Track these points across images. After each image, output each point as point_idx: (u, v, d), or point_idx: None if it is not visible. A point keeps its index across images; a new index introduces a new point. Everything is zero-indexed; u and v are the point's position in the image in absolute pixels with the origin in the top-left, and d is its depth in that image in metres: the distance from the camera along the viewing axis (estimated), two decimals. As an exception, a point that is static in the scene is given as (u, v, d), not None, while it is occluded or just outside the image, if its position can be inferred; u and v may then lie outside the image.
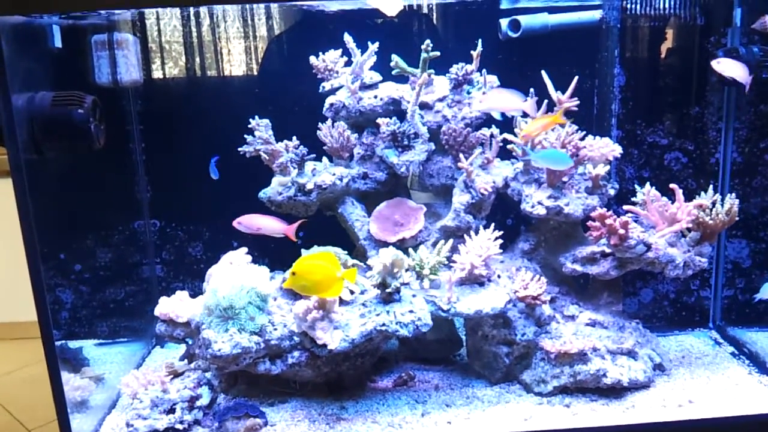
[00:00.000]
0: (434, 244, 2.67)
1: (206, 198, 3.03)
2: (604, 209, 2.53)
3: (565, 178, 2.62)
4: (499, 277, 2.59)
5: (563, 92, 2.69)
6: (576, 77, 2.66)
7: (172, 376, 2.61)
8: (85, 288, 3.17)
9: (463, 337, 2.84)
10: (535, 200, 2.59)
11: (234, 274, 2.45)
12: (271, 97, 3.13)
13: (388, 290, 2.34)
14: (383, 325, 2.29)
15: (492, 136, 2.72)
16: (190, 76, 3.18)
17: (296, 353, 2.38)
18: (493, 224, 2.62)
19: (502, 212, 2.92)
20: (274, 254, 3.20)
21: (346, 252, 2.61)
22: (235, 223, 2.46)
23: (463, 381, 2.62)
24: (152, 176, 3.13)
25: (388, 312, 2.32)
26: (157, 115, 3.10)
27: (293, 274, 2.06)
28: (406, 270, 2.40)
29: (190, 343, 2.57)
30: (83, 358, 2.81)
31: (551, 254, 2.73)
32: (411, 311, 2.33)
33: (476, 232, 2.56)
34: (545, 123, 2.47)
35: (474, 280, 2.51)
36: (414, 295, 2.43)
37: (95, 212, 3.09)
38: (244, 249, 2.63)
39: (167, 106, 3.14)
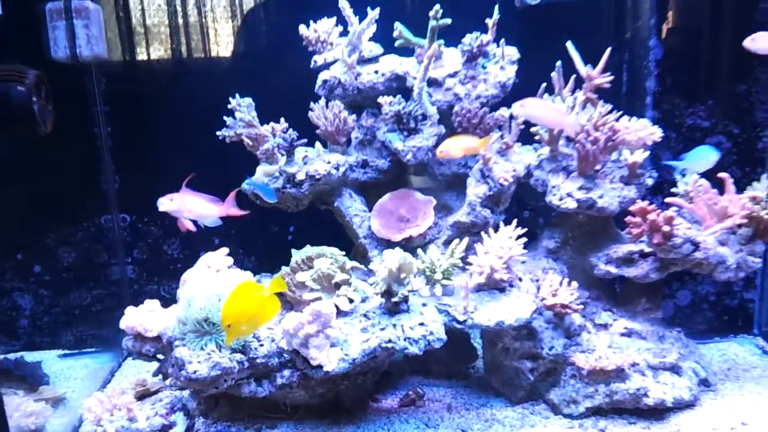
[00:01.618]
0: (446, 243, 2.35)
1: (194, 185, 2.62)
2: (646, 202, 2.21)
3: (597, 166, 2.29)
4: (520, 280, 2.26)
5: (593, 66, 2.35)
6: (609, 48, 2.32)
7: (142, 396, 2.29)
8: (46, 292, 2.85)
9: (479, 347, 2.52)
10: (564, 192, 2.26)
11: (212, 281, 2.12)
12: (255, 73, 2.78)
13: (394, 299, 2.02)
14: (389, 341, 1.97)
15: (512, 117, 2.39)
16: (163, 51, 2.82)
17: (286, 372, 2.06)
18: (507, 220, 2.29)
19: (518, 203, 2.59)
20: (261, 252, 2.87)
21: (344, 253, 2.27)
22: (159, 207, 2.07)
23: (480, 399, 2.31)
24: (120, 164, 2.84)
25: (394, 326, 2.00)
26: (125, 96, 2.79)
27: (228, 327, 1.74)
28: (415, 275, 2.07)
29: (162, 360, 2.24)
30: (42, 374, 2.49)
31: (580, 253, 2.41)
32: (421, 324, 2.01)
33: (495, 229, 2.23)
34: (468, 146, 2.21)
35: (493, 286, 2.19)
36: (424, 304, 2.11)
37: (56, 206, 2.76)
38: (224, 250, 2.30)
39: (137, 85, 2.81)
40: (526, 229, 2.25)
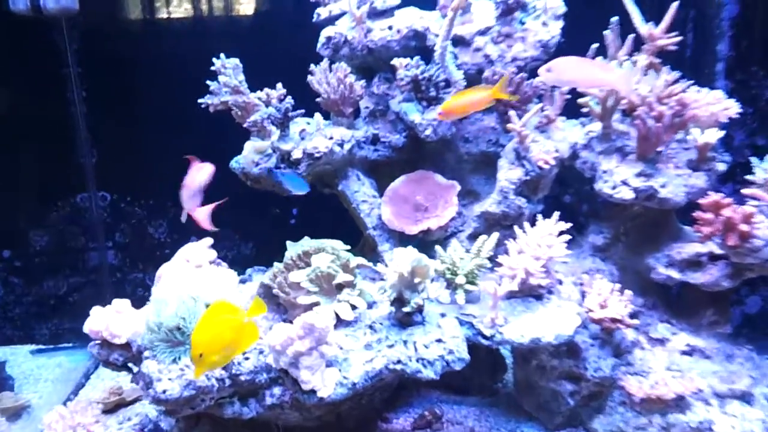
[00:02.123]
0: (472, 238, 1.97)
1: (171, 163, 2.26)
2: (720, 195, 1.79)
3: (660, 147, 1.87)
4: (561, 284, 1.88)
5: (655, 24, 1.92)
6: (675, 2, 1.89)
7: (116, 407, 2.00)
8: (16, 280, 2.56)
9: (509, 358, 2.15)
10: (618, 178, 1.86)
11: (189, 280, 1.78)
12: (250, 29, 2.39)
13: (406, 309, 1.66)
14: (398, 362, 1.62)
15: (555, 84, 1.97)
16: (147, 4, 2.44)
17: (277, 390, 1.74)
18: (545, 204, 1.91)
19: (558, 183, 2.17)
20: (260, 237, 2.53)
21: (348, 248, 1.91)
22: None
23: (509, 424, 1.97)
24: (98, 135, 2.52)
25: (405, 342, 1.64)
26: (102, 55, 2.45)
27: (200, 357, 1.39)
28: (432, 280, 1.70)
29: (134, 371, 1.92)
30: (5, 377, 2.20)
31: (633, 252, 2.03)
32: (439, 340, 1.65)
33: (531, 222, 1.84)
34: (477, 99, 1.75)
35: (528, 292, 1.82)
36: (443, 315, 1.75)
37: (25, 184, 2.44)
38: (207, 241, 1.94)
39: (116, 44, 2.45)
40: (570, 225, 1.85)
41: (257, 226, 2.66)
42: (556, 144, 2.01)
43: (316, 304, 1.80)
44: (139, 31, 2.48)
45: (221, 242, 2.62)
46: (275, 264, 1.93)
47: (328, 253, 1.90)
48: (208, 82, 2.04)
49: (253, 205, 2.37)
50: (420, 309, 1.72)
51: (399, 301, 1.71)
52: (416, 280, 1.70)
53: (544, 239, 1.83)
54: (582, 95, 2.01)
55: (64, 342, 2.56)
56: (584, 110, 2.09)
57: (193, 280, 1.79)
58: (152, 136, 2.44)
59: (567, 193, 2.46)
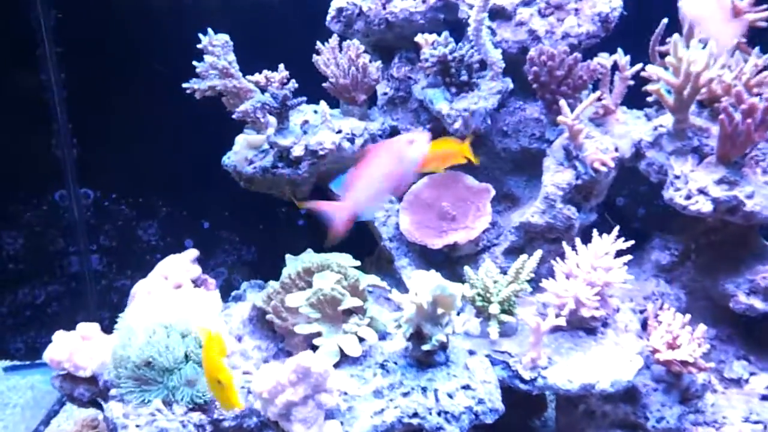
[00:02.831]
0: (508, 253, 1.67)
1: (161, 157, 2.19)
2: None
3: (747, 149, 1.53)
4: (617, 311, 1.57)
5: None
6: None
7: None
8: (-12, 286, 2.32)
9: (549, 394, 1.85)
10: (695, 186, 1.53)
11: (163, 304, 1.51)
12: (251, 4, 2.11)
13: (425, 347, 1.37)
14: (414, 415, 1.34)
15: (615, 67, 1.65)
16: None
17: (269, 437, 1.45)
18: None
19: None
20: (263, 240, 2.40)
21: (357, 264, 1.64)
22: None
23: (548, 478, 1.66)
24: (79, 124, 2.26)
25: (424, 390, 1.36)
26: (84, 33, 2.18)
27: (218, 383, 1.14)
28: (459, 312, 1.40)
29: (104, 407, 1.67)
30: (-32, 401, 1.96)
31: (706, 274, 1.72)
32: (466, 387, 1.37)
33: (582, 235, 1.54)
34: (448, 154, 1.53)
35: (578, 325, 1.51)
36: (472, 352, 1.46)
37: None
38: (191, 254, 1.67)
39: (100, 20, 2.15)
40: (632, 242, 1.53)
41: (260, 228, 2.40)
42: (615, 141, 1.69)
43: (317, 334, 1.52)
44: (126, 7, 2.20)
45: (219, 246, 2.37)
46: (270, 283, 1.66)
47: (333, 272, 1.62)
48: (195, 63, 1.75)
49: (255, 204, 2.10)
50: (443, 347, 1.43)
51: (417, 337, 1.41)
52: (439, 311, 1.40)
53: (600, 260, 1.51)
54: (647, 81, 1.67)
55: (41, 358, 2.32)
56: (650, 99, 1.76)
57: (169, 305, 1.52)
58: (142, 126, 2.20)
59: (620, 194, 2.13)
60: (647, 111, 1.78)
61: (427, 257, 1.79)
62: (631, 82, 1.73)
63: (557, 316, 1.45)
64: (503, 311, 1.52)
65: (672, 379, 1.57)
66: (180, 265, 1.67)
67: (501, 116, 1.85)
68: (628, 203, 2.16)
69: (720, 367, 1.71)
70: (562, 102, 1.61)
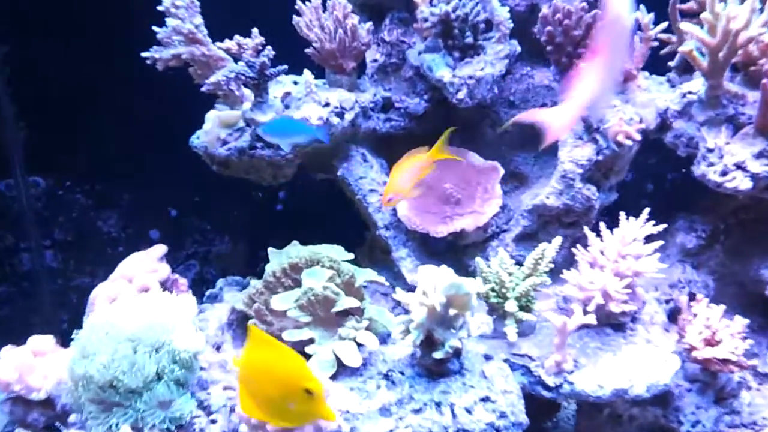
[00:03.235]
0: (519, 240, 1.50)
1: (121, 138, 2.01)
2: None
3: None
4: (644, 304, 1.42)
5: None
6: None
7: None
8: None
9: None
10: (731, 161, 1.39)
11: (127, 313, 1.30)
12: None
13: (437, 355, 1.20)
14: (428, 435, 1.16)
15: (638, 25, 1.48)
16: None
17: (257, 461, 1.27)
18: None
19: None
20: (239, 229, 2.25)
21: (351, 257, 1.46)
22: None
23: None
24: (26, 103, 2.03)
25: (438, 405, 1.21)
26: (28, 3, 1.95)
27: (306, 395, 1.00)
28: (472, 312, 1.23)
29: None
30: None
31: (736, 258, 1.58)
32: (486, 399, 1.21)
33: (603, 219, 1.38)
34: (418, 168, 1.34)
35: (605, 321, 1.35)
36: (488, 357, 1.30)
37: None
38: (158, 250, 1.47)
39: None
40: (664, 226, 1.37)
41: (234, 215, 2.22)
42: (638, 110, 1.52)
43: (309, 341, 1.34)
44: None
45: (188, 236, 2.17)
46: (252, 282, 1.47)
47: (324, 267, 1.43)
48: (155, 28, 1.53)
49: (228, 187, 1.89)
50: (457, 354, 1.26)
51: (428, 343, 1.24)
52: (451, 313, 1.23)
53: (628, 247, 1.35)
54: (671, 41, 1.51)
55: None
56: (670, 63, 1.60)
57: (135, 313, 1.32)
58: (98, 104, 2.00)
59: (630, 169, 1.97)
60: (669, 76, 1.62)
61: (428, 246, 1.61)
62: (654, 44, 1.56)
63: (585, 312, 1.29)
64: (521, 308, 1.36)
65: (707, 378, 1.43)
66: (146, 265, 1.47)
67: (507, 84, 1.68)
68: (636, 178, 2.01)
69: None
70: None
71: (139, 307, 1.36)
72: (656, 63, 1.63)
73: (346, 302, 1.37)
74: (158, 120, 1.94)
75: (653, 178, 2.14)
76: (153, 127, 1.95)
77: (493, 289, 1.37)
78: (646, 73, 1.59)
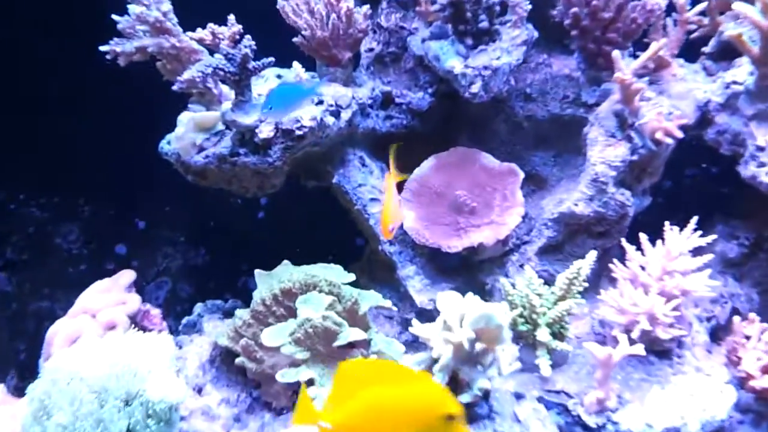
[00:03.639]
0: (544, 254, 1.34)
1: (81, 144, 1.80)
2: None
3: None
4: (690, 326, 1.27)
5: None
6: None
7: None
8: None
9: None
10: (785, 159, 1.22)
11: (90, 358, 1.11)
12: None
13: (464, 398, 1.06)
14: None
15: (672, 7, 1.32)
16: None
17: None
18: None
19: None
20: (216, 242, 2.02)
21: (351, 278, 1.28)
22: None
23: None
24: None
25: (467, 458, 1.00)
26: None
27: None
28: (503, 347, 1.07)
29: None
30: None
31: None
32: (521, 449, 1.03)
33: (633, 226, 1.23)
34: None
35: (648, 347, 1.19)
36: (519, 395, 1.14)
37: None
38: (126, 276, 1.28)
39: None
40: (714, 237, 1.22)
41: (211, 225, 2.04)
42: (676, 102, 1.35)
43: (309, 383, 1.16)
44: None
45: (159, 250, 1.97)
46: (237, 312, 1.28)
47: (322, 292, 1.25)
48: (115, 17, 1.32)
49: (204, 193, 1.69)
50: (486, 395, 1.09)
51: (452, 384, 1.07)
52: (479, 347, 1.05)
53: (675, 262, 1.19)
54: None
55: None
56: (705, 49, 1.44)
57: (101, 358, 1.12)
58: (54, 106, 1.81)
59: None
60: (705, 63, 1.46)
61: (438, 262, 1.44)
62: (692, 26, 1.40)
63: (630, 341, 1.13)
64: (554, 335, 1.19)
65: (762, 408, 1.28)
66: (111, 296, 1.27)
67: (521, 75, 1.50)
68: (673, 188, 1.86)
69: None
70: (616, 53, 1.26)
71: (104, 350, 1.16)
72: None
73: (350, 334, 1.20)
74: (122, 122, 1.73)
75: (670, 174, 1.99)
76: (116, 130, 1.74)
77: (521, 315, 1.20)
78: (681, 60, 1.43)
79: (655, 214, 1.42)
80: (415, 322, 1.11)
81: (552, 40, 1.53)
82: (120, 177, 1.86)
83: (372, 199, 1.44)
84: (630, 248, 1.24)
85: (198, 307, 1.50)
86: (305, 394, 0.83)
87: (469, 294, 1.07)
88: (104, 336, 1.22)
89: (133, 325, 1.25)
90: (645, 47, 1.36)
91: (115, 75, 1.42)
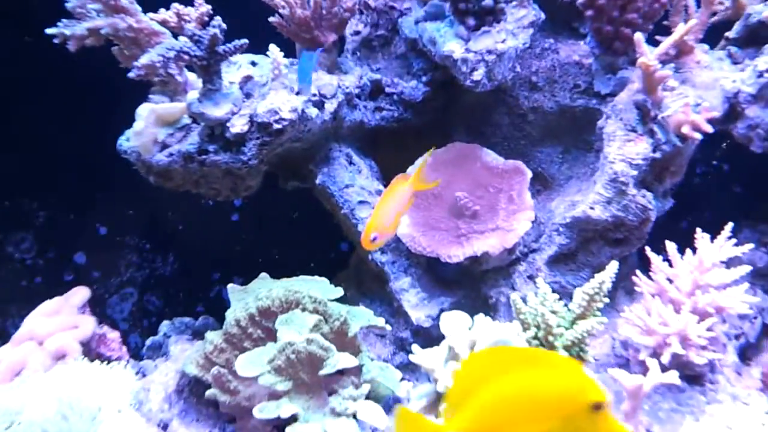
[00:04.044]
0: (555, 264, 1.20)
1: (33, 142, 1.63)
2: None
3: None
4: (724, 347, 1.14)
5: None
6: None
7: None
8: None
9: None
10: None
11: (36, 391, 0.95)
12: None
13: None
14: None
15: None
16: None
17: None
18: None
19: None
20: (182, 247, 1.85)
21: (339, 293, 1.13)
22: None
23: None
24: None
25: None
26: None
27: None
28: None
29: None
30: None
31: None
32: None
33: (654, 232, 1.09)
34: (401, 201, 1.07)
35: (680, 371, 1.05)
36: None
37: None
38: (79, 295, 1.11)
39: None
40: (750, 245, 1.08)
41: (180, 229, 1.87)
42: (699, 93, 1.22)
43: (291, 419, 1.00)
44: None
45: (122, 258, 1.80)
46: (208, 336, 1.12)
47: (306, 311, 1.10)
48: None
49: (171, 195, 1.52)
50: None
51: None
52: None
53: (708, 276, 1.06)
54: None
55: None
56: (728, 34, 1.31)
57: (48, 395, 0.95)
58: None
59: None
60: (730, 49, 1.32)
61: (435, 272, 1.29)
62: (720, 7, 1.26)
63: (662, 369, 0.99)
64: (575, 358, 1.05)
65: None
66: (61, 320, 1.10)
67: (525, 61, 1.35)
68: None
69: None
70: (639, 35, 1.12)
71: (52, 384, 1.00)
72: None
73: (339, 360, 1.05)
74: (80, 116, 1.56)
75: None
76: (72, 126, 1.57)
77: (535, 336, 1.06)
78: (705, 46, 1.29)
79: (663, 216, 1.30)
80: (415, 348, 0.96)
81: (559, 23, 1.39)
82: (78, 178, 1.70)
83: (360, 202, 1.28)
84: (656, 258, 1.11)
85: (164, 326, 1.33)
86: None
87: (480, 316, 0.93)
88: (52, 368, 1.05)
89: (86, 354, 1.08)
90: (661, 32, 1.23)
91: (66, 63, 1.26)
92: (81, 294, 1.16)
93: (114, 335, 1.16)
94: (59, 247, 1.78)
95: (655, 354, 1.05)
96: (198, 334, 1.31)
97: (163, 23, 1.22)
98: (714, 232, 1.12)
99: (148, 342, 1.30)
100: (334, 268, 1.55)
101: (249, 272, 1.31)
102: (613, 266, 1.09)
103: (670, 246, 1.11)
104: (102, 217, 1.78)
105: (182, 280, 1.82)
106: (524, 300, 1.09)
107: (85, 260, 1.77)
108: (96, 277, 1.78)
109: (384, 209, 1.03)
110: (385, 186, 1.36)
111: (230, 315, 1.13)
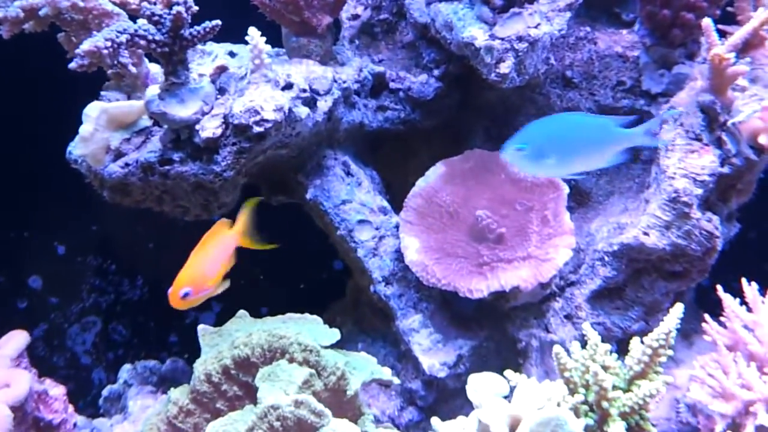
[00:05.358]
0: (597, 301, 1.00)
1: None
2: None
3: None
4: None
5: None
6: None
7: None
8: None
9: None
10: None
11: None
12: None
13: None
14: None
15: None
16: None
17: None
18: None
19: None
20: (150, 269, 1.65)
21: (336, 336, 0.92)
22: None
23: None
24: None
25: None
26: None
27: None
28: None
29: None
30: None
31: None
32: None
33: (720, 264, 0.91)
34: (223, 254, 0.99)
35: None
36: None
37: None
38: (17, 339, 0.91)
39: None
40: None
41: (149, 248, 1.66)
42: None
43: (274, 506, 0.80)
44: None
45: (84, 281, 1.61)
46: (172, 394, 0.91)
47: (295, 361, 0.90)
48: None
49: (137, 211, 1.34)
50: None
51: None
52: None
53: (800, 322, 0.85)
54: None
55: None
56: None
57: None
58: None
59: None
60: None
61: (452, 309, 1.09)
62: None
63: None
64: (630, 429, 0.84)
65: None
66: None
67: (557, 53, 1.15)
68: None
69: None
70: (708, 21, 0.92)
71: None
72: None
73: (335, 429, 0.84)
74: (34, 120, 1.37)
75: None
76: (23, 128, 1.40)
77: (585, 401, 0.85)
78: (777, 37, 1.10)
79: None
80: (435, 422, 0.75)
81: (596, 8, 1.20)
82: (33, 191, 1.53)
83: (360, 222, 1.09)
84: (731, 301, 0.90)
85: (125, 371, 1.13)
86: None
87: (522, 380, 0.72)
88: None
89: (20, 420, 0.87)
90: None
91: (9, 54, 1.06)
92: (16, 341, 0.94)
93: (58, 391, 0.95)
94: (11, 270, 1.61)
95: (734, 424, 0.85)
96: (165, 382, 1.11)
97: (122, 5, 1.01)
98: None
99: (104, 392, 1.11)
100: (327, 292, 1.37)
101: (229, 297, 1.12)
102: (677, 310, 0.89)
103: (749, 288, 0.91)
104: (60, 235, 1.61)
105: (152, 306, 1.62)
106: (568, 353, 0.89)
107: (41, 284, 1.58)
108: (54, 304, 1.62)
109: (201, 258, 0.91)
110: (389, 201, 1.17)
111: (199, 367, 0.92)
